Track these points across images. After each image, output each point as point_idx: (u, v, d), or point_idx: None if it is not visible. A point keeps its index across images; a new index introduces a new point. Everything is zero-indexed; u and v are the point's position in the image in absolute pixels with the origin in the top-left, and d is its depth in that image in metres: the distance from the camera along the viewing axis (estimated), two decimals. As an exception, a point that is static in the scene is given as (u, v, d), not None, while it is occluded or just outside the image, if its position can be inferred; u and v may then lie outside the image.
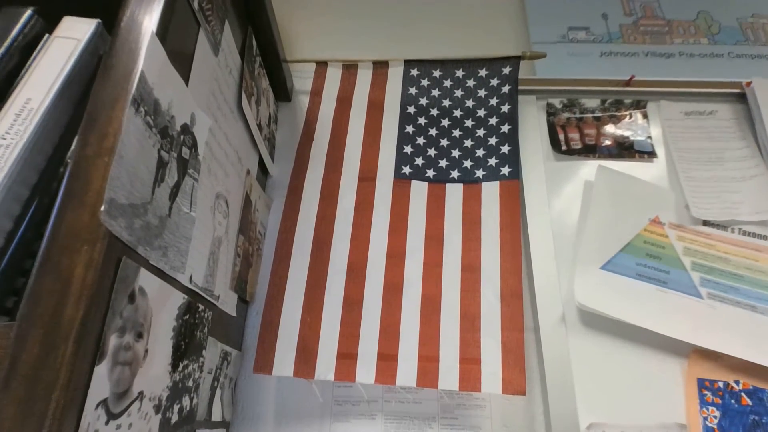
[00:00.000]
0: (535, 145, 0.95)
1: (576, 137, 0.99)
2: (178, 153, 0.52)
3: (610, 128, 1.00)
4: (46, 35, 0.52)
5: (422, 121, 0.96)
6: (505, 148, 0.91)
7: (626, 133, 0.99)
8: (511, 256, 0.82)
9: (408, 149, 0.93)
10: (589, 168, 0.94)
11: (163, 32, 0.48)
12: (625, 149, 0.97)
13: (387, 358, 0.76)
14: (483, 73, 0.98)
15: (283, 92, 0.99)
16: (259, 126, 0.85)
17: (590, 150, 0.98)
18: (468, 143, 0.94)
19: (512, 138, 0.92)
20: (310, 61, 1.02)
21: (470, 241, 0.84)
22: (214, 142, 0.64)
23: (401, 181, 0.90)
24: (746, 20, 1.14)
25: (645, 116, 1.01)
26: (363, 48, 1.10)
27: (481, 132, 0.94)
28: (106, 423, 0.40)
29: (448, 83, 0.99)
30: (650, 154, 0.97)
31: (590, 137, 0.99)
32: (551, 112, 1.01)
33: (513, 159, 0.90)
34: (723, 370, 0.78)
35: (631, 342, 0.80)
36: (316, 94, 1.00)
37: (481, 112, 0.96)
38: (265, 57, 0.89)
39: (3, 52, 0.50)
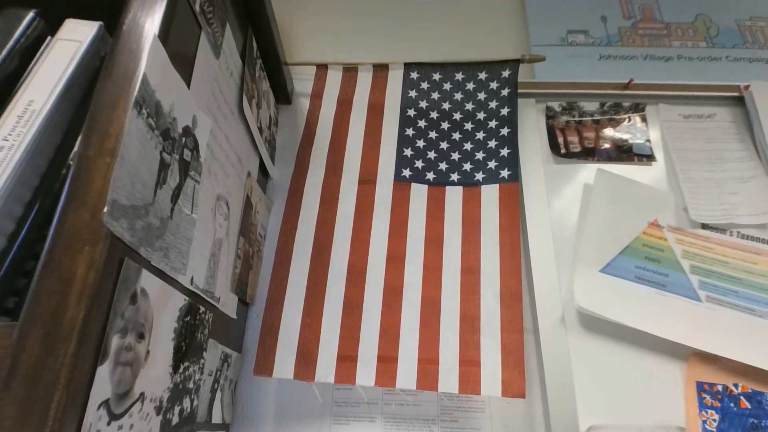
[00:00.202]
0: (535, 148, 0.95)
1: (575, 140, 0.99)
2: (179, 155, 0.52)
3: (609, 131, 1.00)
4: (49, 37, 0.53)
5: (422, 124, 0.97)
6: (504, 151, 0.92)
7: (625, 137, 1.00)
8: (511, 258, 0.82)
9: (408, 152, 0.94)
10: (588, 171, 0.95)
11: (164, 34, 0.48)
12: (623, 152, 0.98)
13: (387, 361, 0.76)
14: (483, 76, 0.99)
15: (283, 95, 1.00)
16: (260, 128, 0.85)
17: (589, 153, 0.98)
18: (468, 146, 0.94)
19: (512, 141, 0.92)
20: (310, 63, 1.03)
21: (470, 244, 0.84)
22: (215, 144, 0.64)
23: (401, 184, 0.90)
24: (744, 23, 1.15)
25: (644, 119, 1.01)
26: (363, 48, 1.10)
27: (480, 135, 0.95)
28: (108, 423, 0.40)
29: (447, 86, 0.99)
30: (649, 158, 0.97)
31: (589, 140, 0.99)
32: (550, 115, 1.02)
33: (512, 162, 0.90)
34: (722, 373, 0.78)
35: (630, 344, 0.80)
36: (317, 96, 1.00)
37: (481, 115, 0.96)
38: (266, 59, 0.89)
39: (5, 54, 0.50)
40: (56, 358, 0.35)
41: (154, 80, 0.45)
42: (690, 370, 0.78)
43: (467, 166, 0.92)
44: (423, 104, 0.98)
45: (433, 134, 0.96)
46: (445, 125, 0.97)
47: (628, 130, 1.00)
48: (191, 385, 0.59)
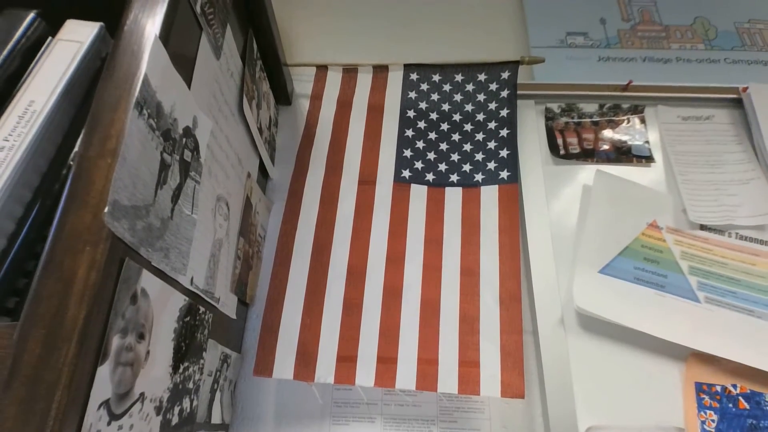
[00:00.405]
0: (534, 150, 0.96)
1: (574, 142, 1.00)
2: (180, 155, 0.52)
3: (608, 133, 1.00)
4: (49, 38, 0.53)
5: (422, 125, 0.97)
6: (504, 152, 0.92)
7: (624, 138, 1.00)
8: (510, 259, 0.82)
9: (408, 153, 0.94)
10: (587, 172, 0.95)
11: (165, 35, 0.48)
12: (622, 154, 0.98)
13: (386, 361, 0.76)
14: (482, 77, 0.99)
15: (283, 96, 1.00)
16: (260, 129, 0.85)
17: (588, 154, 0.98)
18: (467, 147, 0.94)
19: (511, 142, 0.93)
20: (310, 65, 1.03)
21: (469, 245, 0.84)
22: (216, 145, 0.64)
23: (401, 185, 0.91)
24: (743, 25, 1.15)
25: (642, 121, 1.02)
26: (363, 49, 1.10)
27: (480, 136, 0.95)
28: (108, 424, 0.40)
29: (447, 87, 0.99)
30: (648, 159, 0.98)
31: (588, 142, 0.99)
32: (550, 117, 1.02)
33: (512, 163, 0.91)
34: (721, 374, 0.78)
35: (629, 345, 0.80)
36: (317, 97, 1.00)
37: (480, 116, 0.97)
38: (266, 60, 0.89)
39: (6, 54, 0.51)
40: (57, 358, 0.35)
41: (155, 81, 0.45)
42: (689, 371, 0.78)
43: (467, 167, 0.92)
44: (423, 105, 0.98)
45: (432, 135, 0.96)
46: (444, 126, 0.97)
47: (627, 132, 1.00)
48: (191, 385, 0.59)
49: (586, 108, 1.03)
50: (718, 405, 0.76)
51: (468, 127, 0.96)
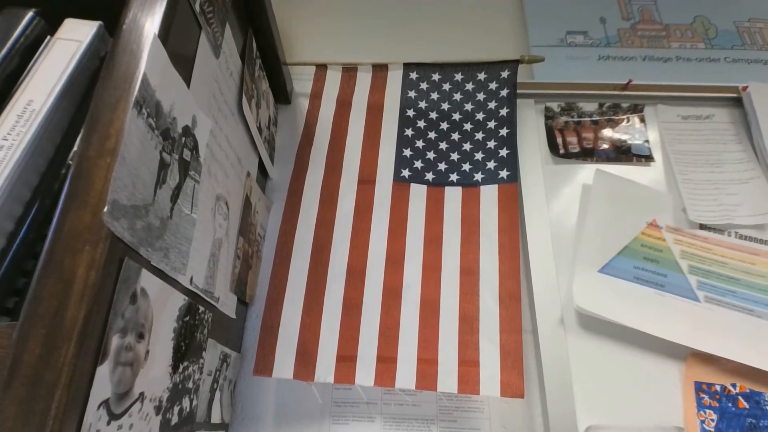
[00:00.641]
0: (534, 149, 0.96)
1: (574, 141, 1.00)
2: (179, 155, 0.52)
3: (607, 132, 1.00)
4: (48, 37, 0.53)
5: (421, 124, 0.97)
6: (503, 152, 0.92)
7: (624, 137, 1.00)
8: (510, 259, 0.82)
9: (407, 152, 0.94)
10: (587, 171, 0.95)
11: (164, 34, 0.48)
12: (622, 153, 0.98)
13: (386, 361, 0.76)
14: (482, 76, 0.99)
15: (282, 95, 1.00)
16: (259, 128, 0.85)
17: (588, 153, 0.98)
18: (467, 146, 0.94)
19: (511, 141, 0.93)
20: (309, 64, 1.03)
21: (469, 245, 0.84)
22: (215, 144, 0.64)
23: (400, 184, 0.90)
24: (743, 24, 1.15)
25: (642, 120, 1.01)
26: (362, 48, 1.10)
27: (479, 135, 0.95)
28: (108, 423, 0.40)
29: (447, 86, 0.99)
30: (647, 158, 0.98)
31: (588, 141, 0.99)
32: (549, 116, 1.02)
33: (511, 162, 0.91)
34: (720, 374, 0.78)
35: (629, 345, 0.80)
36: (316, 96, 1.00)
37: (480, 116, 0.96)
38: (265, 59, 0.89)
39: (5, 53, 0.50)
40: (57, 358, 0.35)
41: (154, 80, 0.45)
42: (688, 370, 0.78)
43: (466, 167, 0.92)
44: (422, 104, 0.98)
45: (432, 134, 0.96)
46: (444, 125, 0.97)
47: (627, 131, 1.00)
48: (191, 384, 0.59)
49: (585, 107, 1.03)
50: (717, 404, 0.76)
51: (468, 126, 0.96)
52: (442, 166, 0.92)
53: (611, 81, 1.02)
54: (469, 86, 0.99)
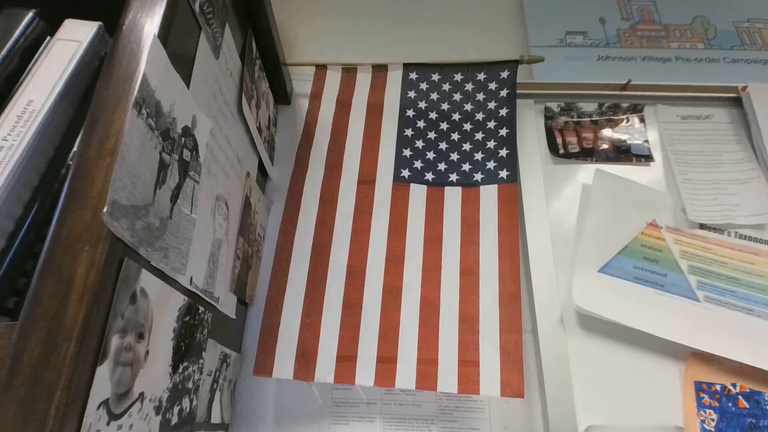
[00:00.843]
0: (533, 149, 0.96)
1: (573, 141, 1.00)
2: (179, 155, 0.52)
3: (607, 132, 1.00)
4: (48, 37, 0.53)
5: (421, 124, 0.97)
6: (503, 152, 0.92)
7: (623, 137, 1.00)
8: (510, 259, 0.82)
9: (407, 152, 0.94)
10: (586, 171, 0.95)
11: (164, 35, 0.48)
12: (622, 153, 0.98)
13: (386, 361, 0.76)
14: (481, 76, 0.99)
15: (282, 95, 1.00)
16: (259, 129, 0.85)
17: (588, 154, 0.98)
18: (466, 147, 0.94)
19: (510, 141, 0.93)
20: (309, 64, 1.03)
21: (469, 245, 0.84)
22: (215, 145, 0.64)
23: (400, 185, 0.90)
24: (742, 25, 1.15)
25: (642, 120, 1.02)
26: (363, 49, 1.10)
27: (479, 135, 0.95)
28: (108, 423, 0.40)
29: (446, 87, 0.99)
30: (647, 158, 0.98)
31: (588, 141, 1.00)
32: (549, 116, 1.02)
33: (511, 162, 0.91)
34: (720, 373, 0.78)
35: (629, 344, 0.80)
36: (316, 97, 1.00)
37: (480, 116, 0.97)
38: (265, 60, 0.89)
39: (5, 54, 0.50)
40: (57, 358, 0.35)
41: (154, 80, 0.45)
42: (688, 370, 0.78)
43: (466, 167, 0.92)
44: (422, 105, 0.98)
45: (432, 135, 0.96)
46: (444, 126, 0.97)
47: (627, 131, 1.01)
48: (190, 385, 0.59)
49: (585, 107, 1.03)
50: (717, 404, 0.76)
51: (467, 126, 0.96)
52: (441, 166, 0.92)
53: (611, 81, 1.02)
54: (469, 86, 0.99)
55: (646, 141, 0.99)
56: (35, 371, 0.35)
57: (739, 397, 0.76)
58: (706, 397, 0.77)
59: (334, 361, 0.76)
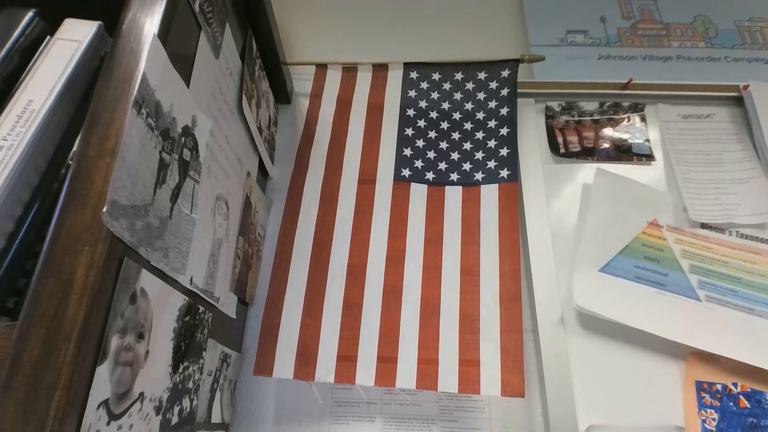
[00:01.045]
0: (534, 148, 0.96)
1: (574, 140, 0.99)
2: (179, 155, 0.52)
3: (608, 131, 1.00)
4: (48, 37, 0.53)
5: (422, 123, 0.97)
6: (504, 151, 0.92)
7: (624, 136, 1.00)
8: (510, 258, 0.82)
9: (407, 152, 0.94)
10: (587, 171, 0.95)
11: (164, 34, 0.48)
12: (623, 152, 0.98)
13: (387, 361, 0.76)
14: (482, 76, 0.99)
15: (283, 94, 1.00)
16: (259, 128, 0.85)
17: (588, 153, 0.98)
18: (467, 146, 0.94)
19: (511, 141, 0.92)
20: (309, 63, 1.03)
21: (469, 244, 0.84)
22: (215, 144, 0.64)
23: (401, 184, 0.90)
24: (743, 23, 1.15)
25: (643, 119, 1.01)
26: (363, 49, 1.10)
27: (480, 135, 0.95)
28: (107, 423, 0.40)
29: (447, 86, 0.99)
30: (648, 157, 0.97)
31: (588, 140, 0.99)
32: (550, 115, 1.02)
33: (512, 162, 0.90)
34: (721, 373, 0.78)
35: (629, 344, 0.80)
36: (316, 96, 1.00)
37: (480, 115, 0.96)
38: (265, 59, 0.89)
39: (4, 53, 0.50)
40: (56, 358, 0.35)
41: (154, 80, 0.45)
42: (689, 370, 0.78)
43: (467, 166, 0.92)
44: (422, 104, 0.98)
45: (432, 134, 0.96)
46: (444, 125, 0.97)
47: (628, 130, 1.00)
48: (191, 384, 0.59)
49: (586, 106, 1.03)
50: (718, 404, 0.76)
51: (468, 125, 0.96)
52: (442, 166, 0.92)
53: (612, 80, 1.02)
54: (470, 85, 0.99)
55: (647, 140, 0.99)
56: (35, 371, 0.35)
57: (741, 396, 0.76)
58: (707, 396, 0.76)
59: (334, 360, 0.76)
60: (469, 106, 0.97)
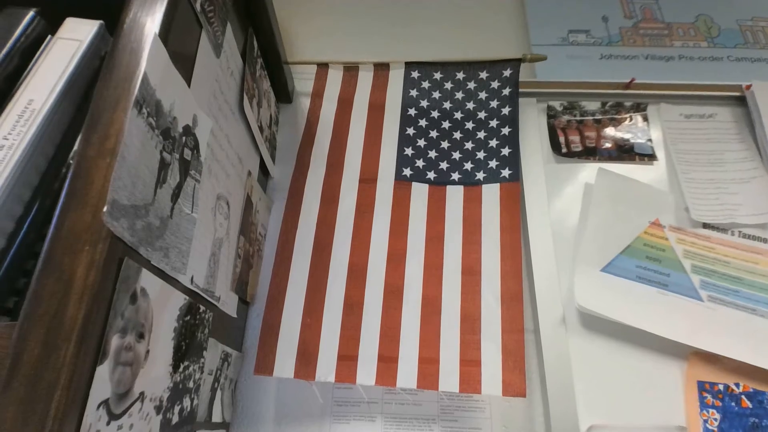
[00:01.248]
0: (536, 148, 0.95)
1: (576, 140, 0.99)
2: (179, 154, 0.52)
3: (610, 131, 1.00)
4: (49, 36, 0.53)
5: (423, 123, 0.97)
6: (505, 151, 0.92)
7: (626, 136, 0.99)
8: (511, 258, 0.82)
9: (409, 151, 0.94)
10: (589, 170, 0.94)
11: (165, 33, 0.48)
12: (625, 152, 0.98)
13: (387, 360, 0.76)
14: (484, 75, 0.99)
15: (284, 94, 1.00)
16: (260, 127, 0.85)
17: (590, 152, 0.98)
18: (468, 145, 0.94)
19: (513, 140, 0.92)
20: (311, 62, 1.03)
21: (470, 244, 0.84)
22: (216, 144, 0.64)
23: (402, 183, 0.90)
24: (746, 23, 1.15)
25: (645, 119, 1.01)
26: (364, 49, 1.10)
27: (481, 134, 0.94)
28: (108, 423, 0.40)
29: (448, 85, 0.99)
30: (650, 157, 0.97)
31: (590, 140, 0.99)
32: (551, 115, 1.01)
33: (513, 161, 0.90)
34: (723, 373, 0.78)
35: (631, 344, 0.80)
36: (317, 95, 1.00)
37: (482, 115, 0.96)
38: (267, 58, 0.89)
39: (5, 53, 0.50)
40: (56, 357, 0.35)
41: (155, 79, 0.45)
42: (691, 370, 0.78)
43: (468, 166, 0.92)
44: (424, 103, 0.98)
45: (433, 133, 0.96)
46: (445, 124, 0.96)
47: (630, 130, 1.00)
48: (191, 384, 0.59)
49: (588, 106, 1.02)
50: (720, 404, 0.76)
51: (469, 125, 0.96)
52: (443, 165, 0.92)
53: (614, 80, 1.02)
54: (471, 85, 0.99)
55: (649, 140, 0.99)
56: (35, 371, 0.35)
57: (742, 396, 0.76)
58: (708, 396, 0.76)
59: (335, 360, 0.76)
60: (470, 105, 0.97)
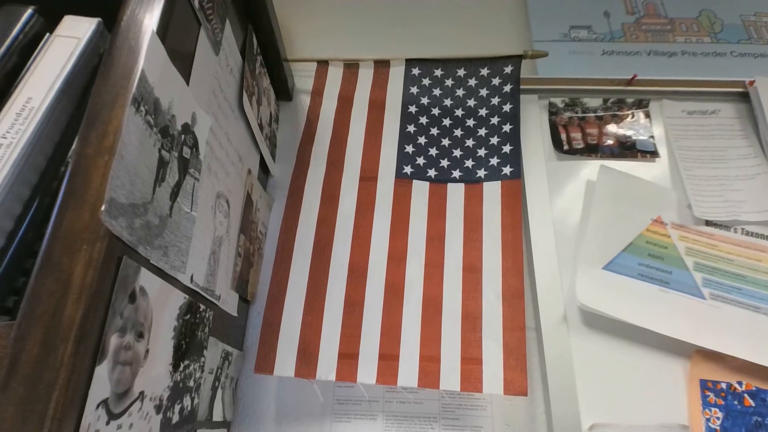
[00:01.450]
0: (537, 145, 0.95)
1: (578, 137, 0.99)
2: (179, 152, 0.52)
3: (612, 128, 1.00)
4: (47, 34, 0.52)
5: (423, 120, 0.96)
6: (506, 148, 0.91)
7: (628, 133, 0.99)
8: (513, 256, 0.82)
9: (409, 149, 0.93)
10: (591, 167, 0.94)
11: (163, 31, 0.48)
12: (627, 149, 0.97)
13: (388, 359, 0.76)
14: (484, 72, 0.98)
15: (284, 91, 0.99)
16: (260, 125, 0.84)
17: (592, 149, 0.97)
18: (469, 143, 0.93)
19: (514, 137, 0.92)
20: (311, 60, 1.02)
21: (472, 242, 0.84)
22: (215, 142, 0.64)
23: (403, 181, 0.90)
24: (749, 18, 1.14)
25: (647, 115, 1.01)
26: (364, 46, 1.09)
27: (482, 131, 0.94)
28: (107, 423, 0.40)
29: (449, 82, 0.99)
30: (652, 154, 0.97)
31: (592, 137, 0.99)
32: (553, 112, 1.01)
33: (515, 158, 0.90)
34: (726, 371, 0.77)
35: (633, 342, 0.80)
36: (317, 93, 1.00)
37: (483, 112, 0.96)
38: (266, 56, 0.88)
39: (3, 51, 0.50)
40: (55, 357, 0.35)
41: (153, 77, 0.45)
42: (693, 368, 0.78)
43: (469, 163, 0.91)
44: (424, 100, 0.98)
45: (434, 131, 0.95)
46: (446, 122, 0.96)
47: (632, 127, 1.00)
48: (192, 383, 0.59)
49: (589, 102, 1.02)
50: (723, 402, 0.75)
51: (470, 122, 0.95)
52: (444, 163, 0.92)
53: (616, 76, 1.01)
54: (472, 82, 0.98)
55: (652, 137, 0.98)
56: (34, 371, 0.35)
57: (745, 395, 0.76)
58: (711, 395, 0.76)
59: (335, 358, 0.75)
60: (471, 102, 0.97)
